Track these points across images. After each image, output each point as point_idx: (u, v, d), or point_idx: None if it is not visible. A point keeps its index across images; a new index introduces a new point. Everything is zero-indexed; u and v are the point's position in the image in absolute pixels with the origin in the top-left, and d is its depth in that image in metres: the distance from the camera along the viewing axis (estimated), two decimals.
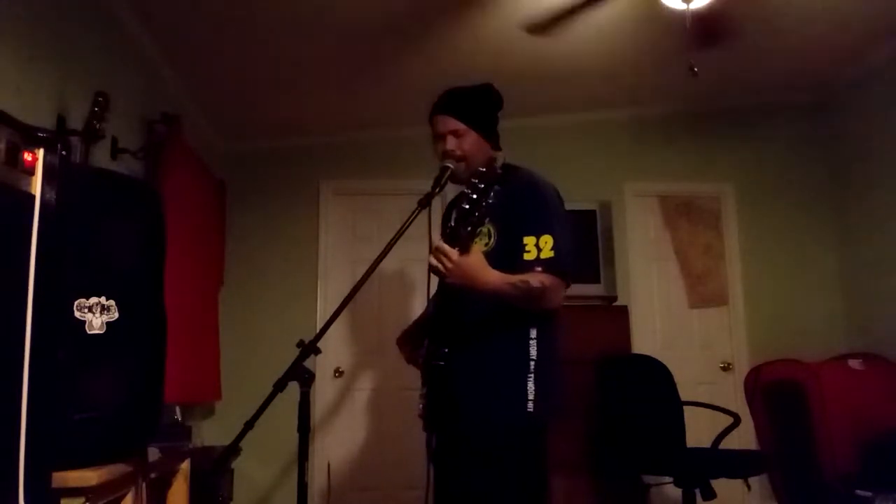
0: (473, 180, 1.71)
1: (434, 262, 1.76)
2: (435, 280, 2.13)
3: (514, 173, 2.04)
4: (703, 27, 3.17)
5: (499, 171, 1.73)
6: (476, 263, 1.78)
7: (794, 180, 4.80)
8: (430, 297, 2.33)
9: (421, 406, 1.97)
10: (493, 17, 3.34)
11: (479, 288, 1.80)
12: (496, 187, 1.70)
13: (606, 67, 3.98)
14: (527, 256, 1.87)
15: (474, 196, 1.68)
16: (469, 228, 1.72)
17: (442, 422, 1.94)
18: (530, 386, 1.90)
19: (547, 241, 1.88)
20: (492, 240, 1.96)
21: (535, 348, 1.94)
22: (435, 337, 1.99)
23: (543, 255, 1.87)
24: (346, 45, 3.52)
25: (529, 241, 1.89)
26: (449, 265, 1.74)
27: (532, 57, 3.79)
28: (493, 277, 1.81)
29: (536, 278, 1.83)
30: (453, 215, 1.72)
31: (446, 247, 1.74)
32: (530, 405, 1.90)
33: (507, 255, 1.88)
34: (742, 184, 4.79)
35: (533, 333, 1.95)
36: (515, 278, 1.82)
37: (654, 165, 4.76)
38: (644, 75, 4.17)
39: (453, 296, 1.95)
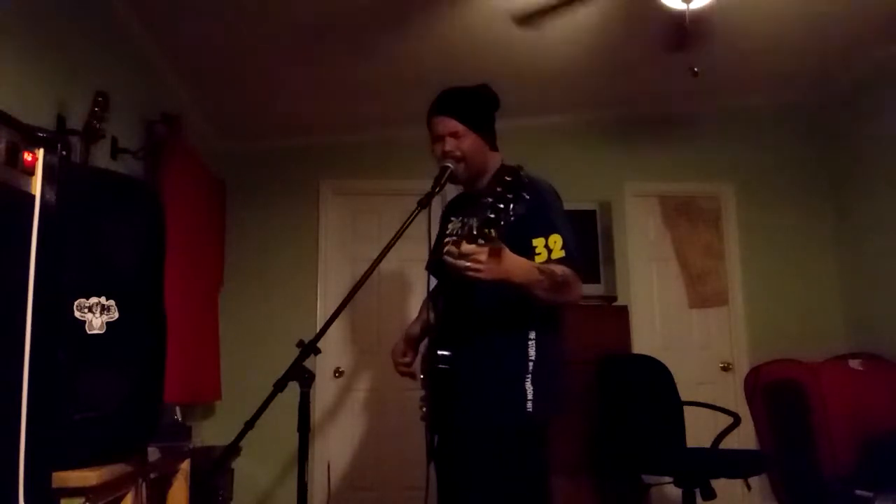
0: (498, 189, 1.61)
1: (465, 264, 1.64)
2: (434, 281, 2.13)
3: (511, 174, 2.03)
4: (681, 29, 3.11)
5: (525, 179, 1.64)
6: (508, 254, 1.70)
7: (794, 180, 4.80)
8: (423, 302, 2.34)
9: (423, 409, 1.97)
10: (490, 17, 3.34)
11: (514, 278, 1.72)
12: (526, 196, 1.61)
13: (606, 67, 3.98)
14: (538, 258, 1.86)
15: (501, 206, 1.59)
16: (494, 232, 1.62)
17: (444, 423, 1.94)
18: (528, 387, 1.91)
19: (556, 241, 1.87)
20: None
21: (534, 349, 1.94)
22: (437, 341, 1.99)
23: (554, 255, 1.86)
24: (345, 45, 3.52)
25: (539, 242, 1.88)
26: (483, 263, 1.64)
27: (531, 56, 3.79)
28: (525, 263, 1.76)
29: (559, 268, 1.82)
30: (474, 223, 1.66)
31: (473, 247, 1.63)
32: (529, 405, 1.90)
33: None
34: (742, 184, 4.79)
35: (532, 335, 1.95)
36: (542, 265, 1.80)
37: (654, 165, 4.76)
38: (644, 75, 4.17)
39: (452, 301, 1.95)
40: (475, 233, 1.61)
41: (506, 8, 3.26)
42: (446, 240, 2.10)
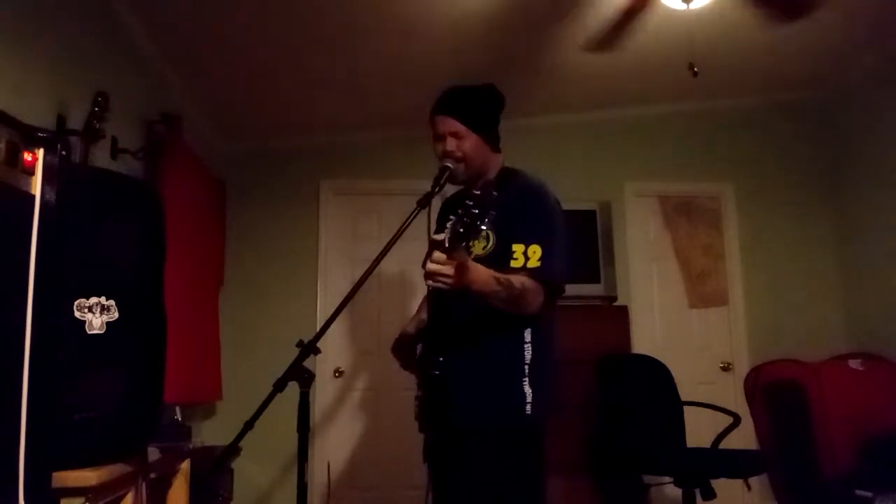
0: (468, 203, 1.64)
1: (435, 284, 1.68)
2: None
3: (512, 178, 2.03)
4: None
5: (494, 193, 1.67)
6: (471, 267, 1.73)
7: (794, 180, 4.80)
8: (420, 305, 2.34)
9: (416, 409, 1.96)
10: (490, 15, 3.34)
11: (472, 286, 1.74)
12: (492, 212, 1.63)
13: (606, 67, 3.98)
14: (514, 264, 1.87)
15: (467, 220, 1.62)
16: (462, 243, 1.66)
17: (438, 424, 1.93)
18: (527, 389, 1.91)
19: (535, 251, 1.87)
20: (490, 243, 1.96)
21: (530, 351, 1.93)
22: (429, 344, 1.98)
23: (530, 265, 1.86)
24: (345, 45, 3.52)
25: (518, 248, 1.88)
26: (450, 279, 1.67)
27: (531, 55, 3.79)
28: (484, 273, 1.78)
29: (518, 279, 1.83)
30: (447, 234, 1.67)
31: (437, 266, 1.66)
32: (528, 408, 1.90)
33: (502, 260, 1.88)
34: (742, 184, 4.78)
35: (528, 336, 1.94)
36: (501, 275, 1.81)
37: (654, 165, 4.75)
38: (644, 75, 4.17)
39: (446, 301, 1.94)
40: (446, 245, 1.65)
41: (505, 6, 3.26)
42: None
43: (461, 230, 1.63)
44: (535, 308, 1.89)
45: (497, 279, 1.79)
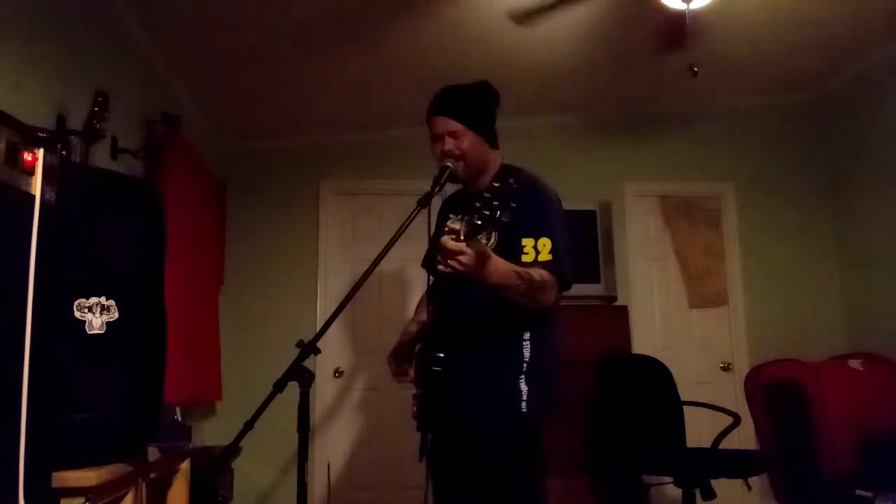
0: (486, 195, 1.62)
1: (451, 263, 1.63)
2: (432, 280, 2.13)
3: (512, 174, 2.03)
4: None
5: (514, 185, 1.64)
6: (487, 254, 1.71)
7: (794, 180, 4.80)
8: (418, 304, 2.34)
9: (414, 407, 1.97)
10: (489, 16, 3.34)
11: (488, 279, 1.72)
12: (512, 205, 1.61)
13: (605, 67, 3.98)
14: (525, 258, 1.87)
15: (486, 212, 1.60)
16: (479, 235, 1.65)
17: (436, 422, 1.94)
18: (523, 387, 1.91)
19: (545, 244, 1.88)
20: (493, 240, 1.96)
21: (529, 350, 1.94)
22: (430, 341, 1.98)
23: (541, 258, 1.87)
24: (345, 45, 3.52)
25: (528, 242, 1.88)
26: (467, 262, 1.62)
27: (531, 55, 3.79)
28: (505, 266, 1.77)
29: (537, 272, 1.83)
30: (463, 228, 1.65)
31: (457, 244, 1.61)
32: (524, 406, 1.90)
33: (506, 256, 1.88)
34: (742, 184, 4.79)
35: (526, 335, 1.95)
36: (521, 269, 1.81)
37: (654, 165, 4.76)
38: (643, 75, 4.17)
39: (447, 300, 1.94)
40: (462, 238, 1.62)
41: (505, 6, 3.26)
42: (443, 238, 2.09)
43: (478, 223, 1.61)
44: (551, 301, 1.90)
45: (518, 273, 1.78)
